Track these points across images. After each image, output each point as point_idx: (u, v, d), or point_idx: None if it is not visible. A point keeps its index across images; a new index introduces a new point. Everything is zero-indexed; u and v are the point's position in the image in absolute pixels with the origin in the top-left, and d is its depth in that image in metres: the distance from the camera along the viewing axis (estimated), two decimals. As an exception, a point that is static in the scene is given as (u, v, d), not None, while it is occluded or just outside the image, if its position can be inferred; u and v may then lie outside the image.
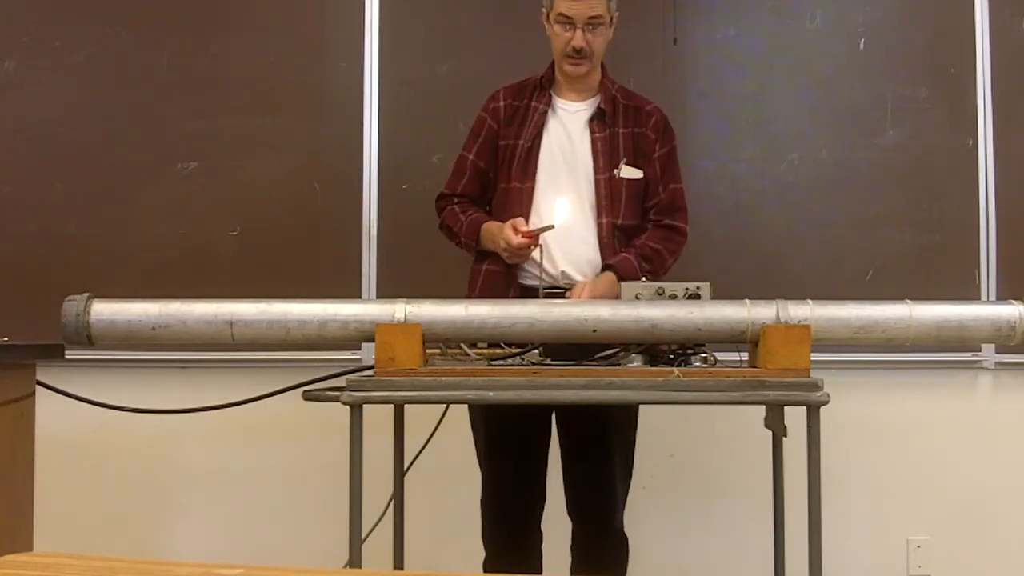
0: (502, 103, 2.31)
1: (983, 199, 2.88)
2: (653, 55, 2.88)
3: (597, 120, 2.27)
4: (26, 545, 1.92)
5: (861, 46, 2.90)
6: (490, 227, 2.20)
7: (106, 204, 2.87)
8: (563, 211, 2.07)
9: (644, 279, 2.03)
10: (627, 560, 2.25)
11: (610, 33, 2.26)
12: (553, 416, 2.24)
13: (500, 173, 2.28)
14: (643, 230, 2.27)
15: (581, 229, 2.21)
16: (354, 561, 1.77)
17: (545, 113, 2.28)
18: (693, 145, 2.89)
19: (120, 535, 2.87)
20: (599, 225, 2.22)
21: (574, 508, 2.23)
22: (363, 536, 1.80)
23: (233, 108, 2.88)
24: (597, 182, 2.23)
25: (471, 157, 2.31)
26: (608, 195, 2.22)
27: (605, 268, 2.19)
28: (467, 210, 2.28)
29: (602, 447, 2.20)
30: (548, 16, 2.25)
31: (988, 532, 2.90)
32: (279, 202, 2.87)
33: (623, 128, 2.27)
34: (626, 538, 2.24)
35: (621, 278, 2.09)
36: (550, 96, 2.30)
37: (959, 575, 2.90)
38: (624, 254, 2.19)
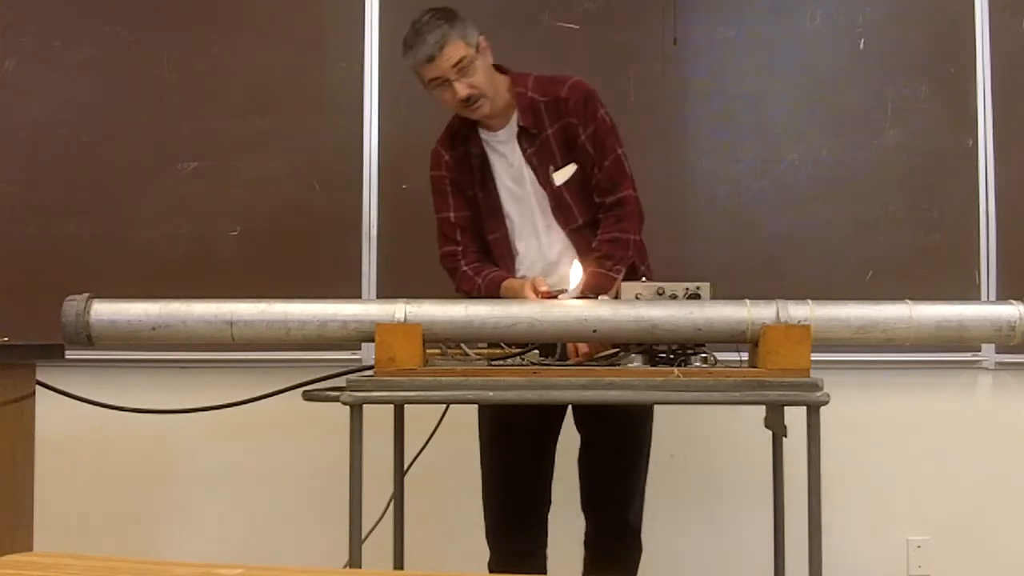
0: (447, 157, 2.25)
1: (983, 199, 2.88)
2: (653, 55, 2.88)
3: (523, 138, 2.20)
4: (26, 545, 1.91)
5: (861, 46, 2.90)
6: (511, 284, 2.14)
7: (106, 204, 2.87)
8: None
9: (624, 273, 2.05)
10: (639, 558, 2.26)
11: (488, 57, 2.17)
12: (569, 413, 2.25)
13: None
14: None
15: (562, 246, 2.20)
16: (354, 561, 1.77)
17: (483, 155, 2.23)
18: (693, 145, 2.89)
19: (120, 535, 2.87)
20: (567, 234, 2.19)
21: (588, 504, 2.25)
22: (363, 536, 1.80)
23: (233, 108, 2.88)
24: (547, 196, 2.19)
25: (452, 215, 2.23)
26: (556, 205, 2.19)
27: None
28: (480, 271, 2.20)
29: (618, 443, 2.21)
30: (425, 86, 2.18)
31: (988, 532, 2.90)
32: (279, 202, 2.87)
33: (551, 127, 2.18)
34: (639, 535, 2.25)
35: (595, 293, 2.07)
36: (478, 135, 2.23)
37: (959, 575, 2.90)
38: (595, 270, 2.11)
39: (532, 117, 2.19)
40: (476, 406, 2.23)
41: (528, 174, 2.20)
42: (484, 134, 2.24)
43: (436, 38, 2.08)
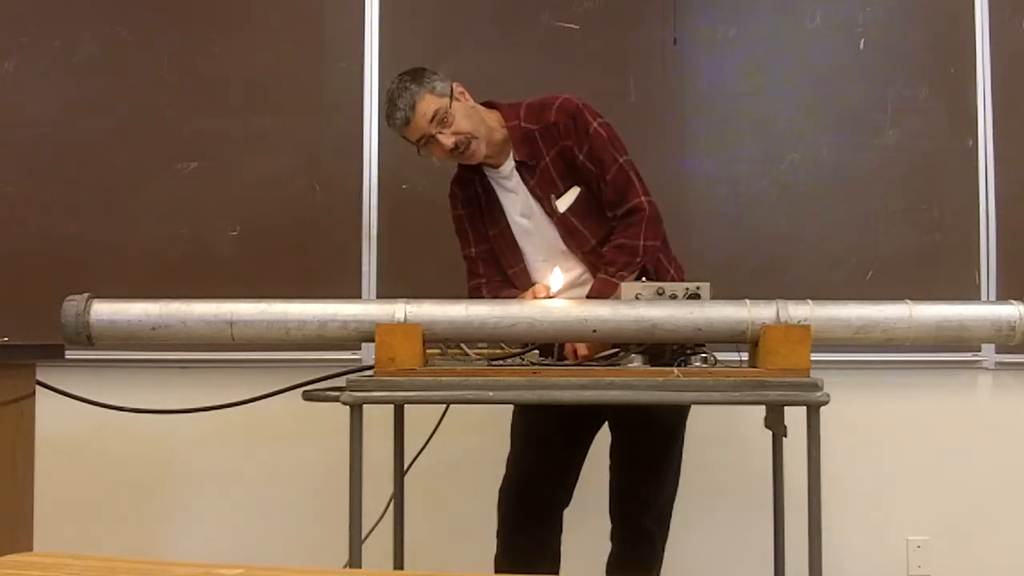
0: (460, 196, 2.29)
1: (983, 199, 2.88)
2: (653, 55, 2.88)
3: (523, 171, 2.20)
4: (26, 545, 1.91)
5: (861, 46, 2.90)
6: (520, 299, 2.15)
7: (106, 204, 2.87)
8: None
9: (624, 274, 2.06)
10: (654, 563, 2.27)
11: (467, 101, 2.17)
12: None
13: None
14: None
15: (580, 270, 2.20)
16: (354, 561, 1.77)
17: (491, 193, 2.25)
18: (693, 145, 2.89)
19: (120, 535, 2.87)
20: (579, 258, 2.19)
21: (610, 504, 2.28)
22: (363, 536, 1.80)
23: (233, 108, 2.88)
24: (555, 225, 2.19)
25: (473, 250, 2.27)
26: (566, 232, 2.19)
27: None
28: (498, 295, 2.21)
29: (643, 448, 2.23)
30: (417, 149, 2.19)
31: (988, 532, 2.90)
32: (279, 202, 2.87)
33: (548, 155, 2.18)
34: (656, 541, 2.26)
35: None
36: (482, 173, 2.25)
37: (959, 575, 2.90)
38: (600, 275, 2.12)
39: (527, 148, 2.18)
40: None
41: (536, 206, 2.21)
42: (489, 172, 2.25)
43: (406, 101, 2.11)
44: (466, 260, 2.30)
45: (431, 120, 2.11)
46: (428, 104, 2.11)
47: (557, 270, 2.06)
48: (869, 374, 2.88)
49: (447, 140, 2.12)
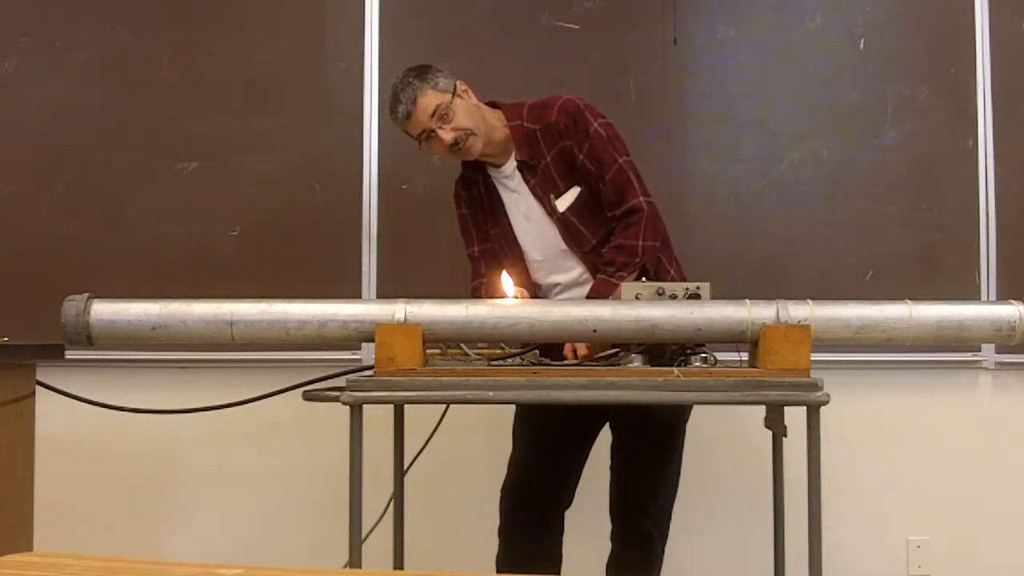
0: (464, 195, 2.31)
1: (983, 199, 2.88)
2: (653, 55, 2.88)
3: (524, 170, 2.21)
4: (26, 545, 1.91)
5: (861, 46, 2.90)
6: None
7: (106, 204, 2.87)
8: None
9: (623, 274, 2.06)
10: (654, 567, 2.27)
11: (469, 98, 2.19)
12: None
13: None
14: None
15: (581, 269, 2.20)
16: (354, 561, 1.77)
17: (494, 193, 2.26)
18: (693, 145, 2.89)
19: (120, 535, 2.87)
20: (579, 257, 2.20)
21: (610, 506, 2.28)
22: (363, 536, 1.80)
23: (233, 108, 2.88)
24: (556, 224, 2.20)
25: (476, 249, 2.30)
26: (566, 232, 2.20)
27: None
28: (494, 296, 2.22)
29: (644, 450, 2.23)
30: (418, 144, 2.21)
31: (988, 532, 2.90)
32: (279, 202, 2.87)
33: (549, 154, 2.19)
34: (656, 545, 2.26)
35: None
36: (486, 173, 2.27)
37: (959, 575, 2.90)
38: (600, 276, 2.13)
39: (529, 148, 2.20)
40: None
41: (536, 206, 2.22)
42: (492, 172, 2.26)
43: (408, 95, 2.14)
44: (470, 260, 2.31)
45: (432, 115, 2.13)
46: (430, 99, 2.13)
47: (504, 274, 2.05)
48: (869, 374, 2.88)
49: (446, 135, 2.14)
